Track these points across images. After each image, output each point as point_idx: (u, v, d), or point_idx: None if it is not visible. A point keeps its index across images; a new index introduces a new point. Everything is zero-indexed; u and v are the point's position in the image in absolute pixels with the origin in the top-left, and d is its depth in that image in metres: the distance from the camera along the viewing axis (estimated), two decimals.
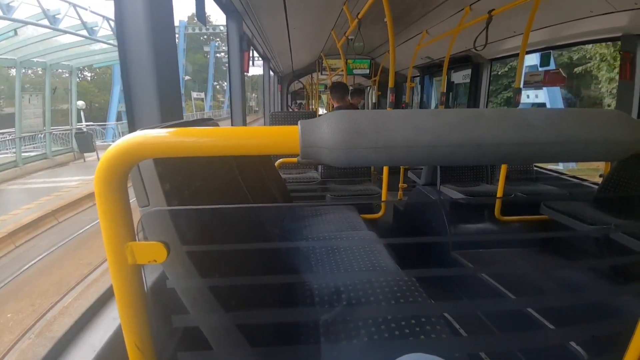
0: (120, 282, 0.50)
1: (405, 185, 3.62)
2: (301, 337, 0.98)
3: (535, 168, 3.15)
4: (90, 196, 7.81)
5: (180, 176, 0.75)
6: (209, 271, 0.71)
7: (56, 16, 9.65)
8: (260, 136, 0.45)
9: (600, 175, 2.65)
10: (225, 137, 0.44)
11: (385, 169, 2.49)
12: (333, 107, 3.31)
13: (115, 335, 0.77)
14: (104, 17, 11.20)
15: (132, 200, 0.52)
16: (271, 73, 6.18)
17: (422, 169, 3.04)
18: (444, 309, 1.06)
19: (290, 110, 9.11)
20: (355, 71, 5.51)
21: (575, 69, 14.54)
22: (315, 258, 1.47)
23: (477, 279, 1.88)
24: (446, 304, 0.78)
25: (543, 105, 13.47)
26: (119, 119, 18.33)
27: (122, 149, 0.43)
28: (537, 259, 2.24)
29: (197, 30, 31.78)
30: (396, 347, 0.71)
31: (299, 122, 0.44)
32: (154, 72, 0.91)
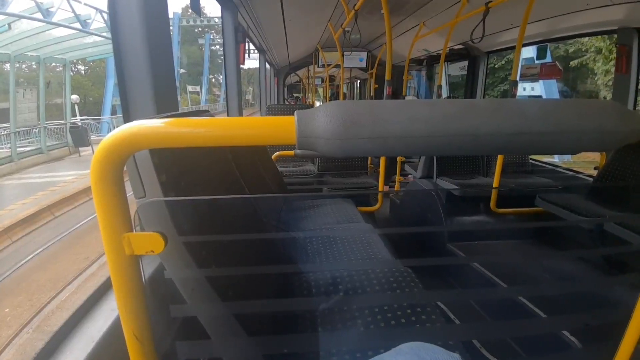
0: (118, 272, 0.50)
1: (401, 178, 3.63)
2: (298, 326, 0.99)
3: (530, 160, 3.16)
4: (85, 191, 7.78)
5: (176, 167, 0.75)
6: (206, 262, 0.71)
7: (49, 9, 9.52)
8: (257, 126, 0.45)
9: (595, 168, 2.67)
10: (221, 127, 0.44)
11: (382, 160, 2.50)
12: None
13: (113, 326, 0.78)
14: (97, 9, 11.05)
15: (130, 194, 0.52)
16: (267, 66, 6.14)
17: (418, 161, 3.06)
18: (439, 297, 1.07)
19: (287, 103, 9.08)
20: (351, 64, 5.48)
21: (571, 62, 14.55)
22: (312, 249, 1.48)
23: (473, 271, 1.90)
24: (441, 293, 0.79)
25: (539, 97, 13.50)
26: (113, 112, 18.14)
27: (118, 139, 0.43)
28: (532, 250, 2.26)
29: (191, 22, 31.43)
30: (392, 335, 0.71)
31: (295, 112, 0.44)
32: (148, 65, 0.91)
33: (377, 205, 2.72)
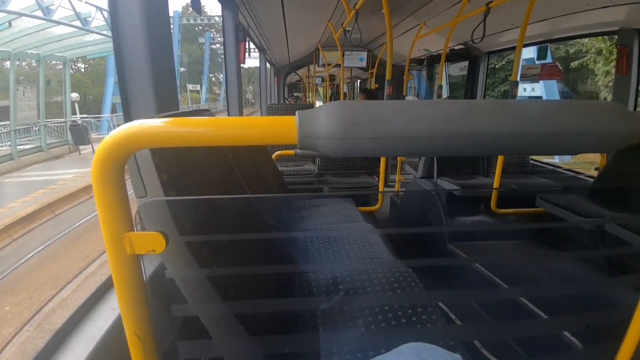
0: (120, 272, 0.50)
1: (402, 178, 3.63)
2: (299, 326, 0.99)
3: (531, 161, 3.17)
4: (86, 189, 7.78)
5: (177, 167, 0.75)
6: (207, 261, 0.71)
7: (50, 7, 9.52)
8: (258, 126, 0.45)
9: (596, 169, 2.67)
10: (223, 127, 0.44)
11: (383, 160, 2.50)
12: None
13: (115, 325, 0.78)
14: (97, 7, 11.04)
15: (130, 192, 0.52)
16: (268, 65, 6.13)
17: (418, 161, 3.05)
18: (440, 298, 1.07)
19: (287, 102, 9.08)
20: (352, 63, 5.47)
21: (572, 63, 14.55)
22: (313, 249, 1.48)
23: (473, 271, 1.90)
24: (441, 293, 0.79)
25: (540, 98, 13.51)
26: (113, 111, 18.14)
27: (119, 138, 0.43)
28: (532, 251, 2.26)
29: (191, 21, 31.44)
30: (393, 336, 0.72)
31: (296, 112, 0.44)
32: (149, 63, 0.90)
33: (378, 205, 2.71)
